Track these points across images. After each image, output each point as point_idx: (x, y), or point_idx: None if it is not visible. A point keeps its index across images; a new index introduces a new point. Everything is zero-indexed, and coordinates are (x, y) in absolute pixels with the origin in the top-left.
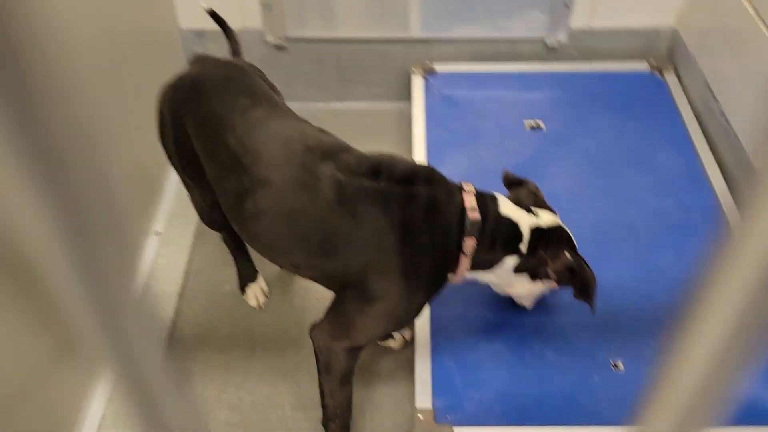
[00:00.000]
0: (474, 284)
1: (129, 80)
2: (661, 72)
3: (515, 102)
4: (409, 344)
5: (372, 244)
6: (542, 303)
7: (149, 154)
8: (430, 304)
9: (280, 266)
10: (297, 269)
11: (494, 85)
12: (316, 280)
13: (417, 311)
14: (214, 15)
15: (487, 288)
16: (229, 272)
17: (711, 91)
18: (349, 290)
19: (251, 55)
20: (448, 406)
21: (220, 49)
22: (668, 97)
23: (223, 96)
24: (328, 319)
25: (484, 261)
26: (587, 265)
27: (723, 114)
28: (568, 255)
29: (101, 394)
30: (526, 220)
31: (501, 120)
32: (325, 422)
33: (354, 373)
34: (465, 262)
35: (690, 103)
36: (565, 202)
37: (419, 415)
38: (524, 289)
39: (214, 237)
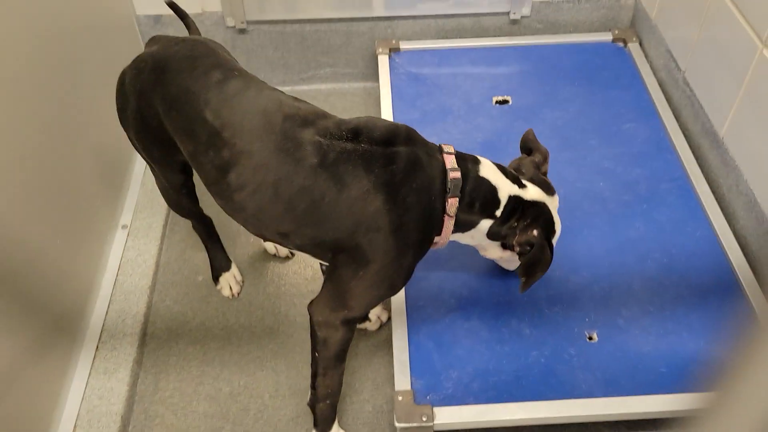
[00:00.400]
0: (449, 262)
1: (87, 71)
2: (625, 42)
3: (481, 77)
4: (386, 326)
5: (358, 205)
6: (518, 277)
7: (112, 145)
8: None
9: (266, 238)
10: (285, 239)
11: (460, 61)
12: (304, 250)
13: (408, 273)
14: (173, 6)
15: (461, 266)
16: (200, 262)
17: (674, 60)
18: (340, 256)
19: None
20: (427, 387)
21: (178, 34)
22: (632, 67)
23: (192, 72)
24: (324, 291)
25: (463, 222)
26: (550, 252)
27: (687, 82)
28: (535, 233)
29: (76, 393)
30: (506, 188)
31: (468, 96)
32: (314, 403)
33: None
34: (449, 222)
35: (654, 72)
36: None
37: (399, 396)
38: (496, 256)
39: (183, 227)
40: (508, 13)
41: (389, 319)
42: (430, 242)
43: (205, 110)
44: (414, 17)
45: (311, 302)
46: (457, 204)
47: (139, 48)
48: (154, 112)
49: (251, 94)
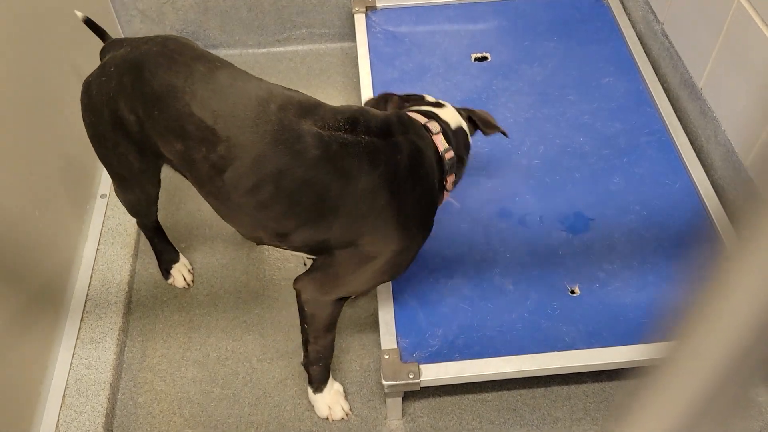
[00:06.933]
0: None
1: (60, 40)
2: None
3: (460, 34)
4: None
5: (365, 201)
6: (500, 234)
7: None
8: None
9: (261, 241)
10: (283, 240)
11: (437, 18)
12: (300, 249)
13: (412, 259)
14: (89, 23)
15: (443, 225)
16: (182, 230)
17: (653, 12)
18: (340, 250)
19: (184, 3)
20: (413, 345)
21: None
22: (611, 20)
23: (171, 67)
24: (318, 273)
25: (460, 172)
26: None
27: (665, 34)
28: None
29: (63, 363)
30: (465, 123)
31: (447, 53)
32: (307, 364)
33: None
34: (447, 196)
35: (633, 25)
36: (515, 132)
37: (385, 355)
38: None
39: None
40: None
41: None
42: (432, 223)
43: (193, 105)
44: None
45: (298, 279)
46: (455, 178)
47: (111, 15)
48: (134, 118)
49: (240, 84)
